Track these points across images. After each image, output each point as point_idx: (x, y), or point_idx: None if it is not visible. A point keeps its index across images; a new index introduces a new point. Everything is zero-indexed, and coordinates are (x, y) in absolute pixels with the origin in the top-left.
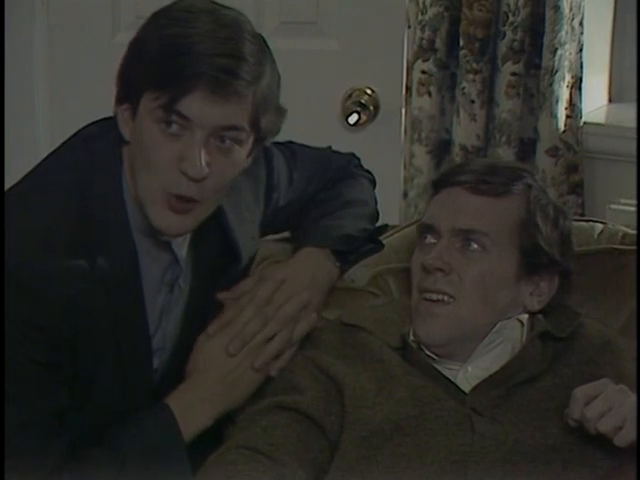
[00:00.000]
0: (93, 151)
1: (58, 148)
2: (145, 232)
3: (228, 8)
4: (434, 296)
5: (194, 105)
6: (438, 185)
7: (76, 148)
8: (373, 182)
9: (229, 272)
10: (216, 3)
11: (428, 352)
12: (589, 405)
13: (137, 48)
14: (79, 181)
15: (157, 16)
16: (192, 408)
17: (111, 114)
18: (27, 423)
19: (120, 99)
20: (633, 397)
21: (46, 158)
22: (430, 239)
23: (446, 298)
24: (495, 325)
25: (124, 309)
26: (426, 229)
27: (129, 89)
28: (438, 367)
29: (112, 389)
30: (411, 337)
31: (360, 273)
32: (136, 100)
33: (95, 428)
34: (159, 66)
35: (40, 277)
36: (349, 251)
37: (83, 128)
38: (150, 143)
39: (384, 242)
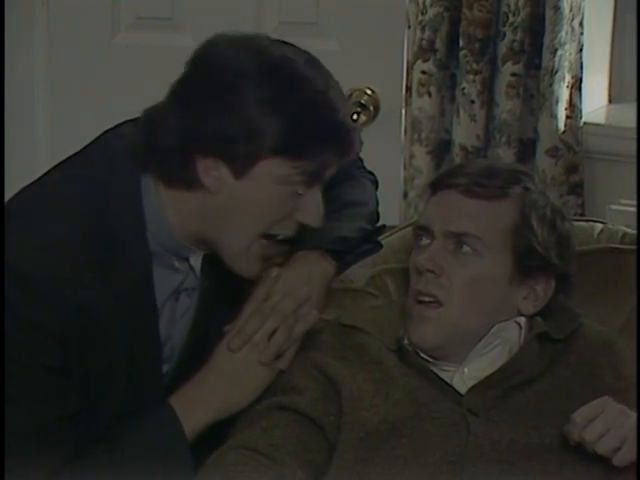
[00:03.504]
0: (112, 163)
1: (78, 154)
2: (164, 245)
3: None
4: (425, 298)
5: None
6: (434, 187)
7: (97, 159)
8: (375, 183)
9: (236, 277)
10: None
11: (424, 355)
12: (587, 427)
13: (273, 107)
14: (98, 190)
15: (289, 67)
16: (194, 405)
17: (110, 114)
18: (33, 427)
19: (218, 154)
20: (633, 418)
21: (64, 163)
22: (425, 240)
23: (437, 303)
24: (492, 327)
25: (137, 317)
26: (421, 230)
27: (243, 148)
28: (434, 369)
29: (121, 394)
30: (405, 340)
31: (359, 274)
32: (249, 161)
33: (102, 432)
34: (305, 134)
35: (55, 283)
36: (344, 251)
37: (105, 135)
38: (268, 201)
39: (383, 242)
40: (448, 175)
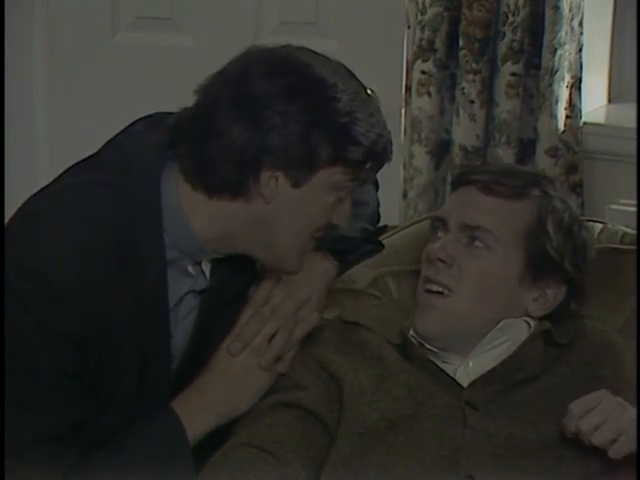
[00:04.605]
0: (131, 168)
1: (94, 157)
2: (182, 249)
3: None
4: (434, 287)
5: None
6: (455, 183)
7: (114, 164)
8: (376, 184)
9: (241, 279)
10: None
11: (428, 345)
12: (584, 418)
13: (324, 120)
14: (118, 195)
15: (333, 89)
16: (197, 410)
17: (110, 114)
18: (47, 434)
19: (281, 167)
20: (631, 411)
21: (80, 166)
22: (440, 233)
23: (446, 291)
24: (499, 322)
25: (150, 321)
26: (437, 222)
27: (307, 160)
28: (437, 361)
29: (129, 397)
30: (411, 332)
31: (361, 274)
32: (310, 172)
33: (107, 436)
34: (356, 145)
35: (75, 287)
36: (346, 251)
37: (119, 137)
38: (320, 207)
39: (384, 243)
40: (469, 172)
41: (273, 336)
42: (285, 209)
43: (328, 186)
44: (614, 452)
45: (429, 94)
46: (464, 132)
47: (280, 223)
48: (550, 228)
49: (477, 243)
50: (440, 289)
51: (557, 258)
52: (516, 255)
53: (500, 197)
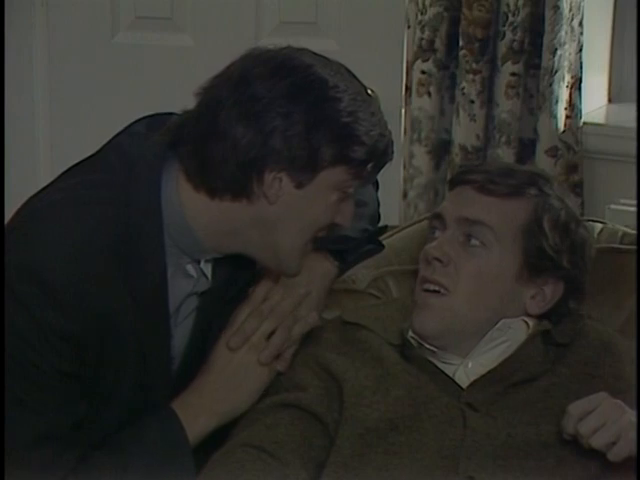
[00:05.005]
0: (131, 168)
1: (93, 157)
2: (183, 249)
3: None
4: (431, 286)
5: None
6: (452, 183)
7: (115, 164)
8: (376, 184)
9: (241, 279)
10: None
11: (427, 345)
12: (583, 420)
13: (327, 120)
14: (119, 196)
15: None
16: (197, 411)
17: (110, 114)
18: (45, 434)
19: (285, 168)
20: (629, 413)
21: (80, 166)
22: (437, 233)
23: (443, 290)
24: (497, 322)
25: (150, 323)
26: (435, 221)
27: (310, 160)
28: (437, 362)
29: (128, 399)
30: (410, 333)
31: (361, 275)
32: (313, 172)
33: (107, 438)
34: (361, 144)
35: (75, 288)
36: (346, 251)
37: (118, 138)
38: (324, 207)
39: (385, 243)
40: (465, 172)
41: (272, 334)
42: (288, 209)
43: (331, 186)
44: (613, 455)
45: (429, 94)
46: (464, 132)
47: (283, 223)
48: (546, 226)
49: (473, 241)
50: (437, 288)
51: (554, 256)
52: (512, 253)
53: (496, 196)
